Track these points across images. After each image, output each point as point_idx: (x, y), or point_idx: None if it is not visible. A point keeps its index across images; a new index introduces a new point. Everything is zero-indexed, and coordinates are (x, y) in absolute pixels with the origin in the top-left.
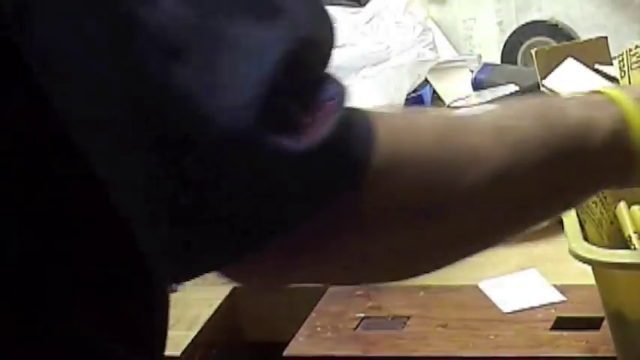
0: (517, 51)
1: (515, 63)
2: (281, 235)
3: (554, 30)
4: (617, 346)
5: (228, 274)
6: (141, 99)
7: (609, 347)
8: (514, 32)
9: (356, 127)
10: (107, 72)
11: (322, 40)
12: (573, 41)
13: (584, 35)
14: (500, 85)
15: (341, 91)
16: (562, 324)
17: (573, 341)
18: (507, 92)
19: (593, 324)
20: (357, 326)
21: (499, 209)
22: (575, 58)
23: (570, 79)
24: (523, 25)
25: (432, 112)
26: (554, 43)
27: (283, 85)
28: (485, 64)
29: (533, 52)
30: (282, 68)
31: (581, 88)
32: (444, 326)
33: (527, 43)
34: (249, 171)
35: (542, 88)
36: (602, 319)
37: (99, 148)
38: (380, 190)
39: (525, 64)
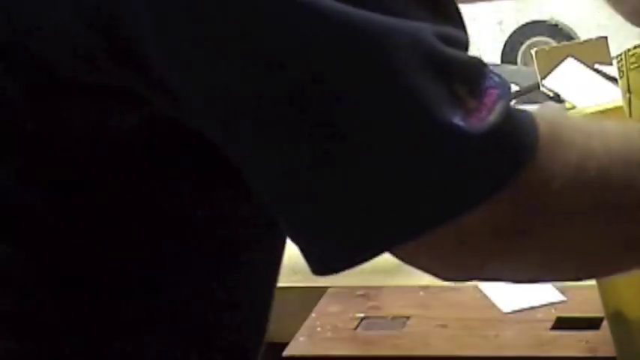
0: (517, 51)
1: (515, 63)
2: (457, 213)
3: (554, 30)
4: (617, 346)
5: (410, 257)
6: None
7: (609, 347)
8: (514, 32)
9: (521, 119)
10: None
11: (461, 35)
12: (573, 41)
13: (584, 35)
14: None
15: (503, 82)
16: (562, 324)
17: (573, 341)
18: None
19: (593, 324)
20: (357, 326)
21: None
22: (575, 58)
23: (570, 79)
24: (523, 25)
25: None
26: (554, 43)
27: (449, 64)
28: None
29: (533, 52)
30: (441, 45)
31: (581, 88)
32: (444, 326)
33: (527, 43)
34: (421, 144)
35: (542, 88)
36: (602, 319)
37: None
38: (557, 184)
39: (525, 64)
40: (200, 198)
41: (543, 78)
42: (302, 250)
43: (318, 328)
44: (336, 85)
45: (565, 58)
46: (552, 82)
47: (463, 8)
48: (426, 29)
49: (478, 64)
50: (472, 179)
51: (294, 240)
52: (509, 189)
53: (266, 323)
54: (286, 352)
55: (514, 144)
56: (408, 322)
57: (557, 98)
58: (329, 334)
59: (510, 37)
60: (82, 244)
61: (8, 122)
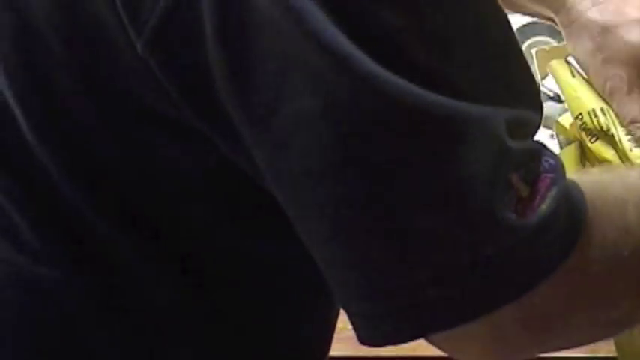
0: None
1: None
2: (496, 307)
3: (554, 30)
4: (617, 346)
5: (446, 345)
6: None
7: (610, 347)
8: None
9: (572, 202)
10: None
11: (532, 117)
12: None
13: None
14: None
15: (557, 164)
16: None
17: None
18: None
19: None
20: None
21: None
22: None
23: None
24: (523, 25)
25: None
26: (554, 43)
27: (509, 155)
28: None
29: (533, 52)
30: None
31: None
32: None
33: (527, 43)
34: (471, 237)
35: (542, 88)
36: None
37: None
38: (595, 268)
39: None
40: (264, 238)
41: (543, 78)
42: (348, 316)
43: None
44: (399, 166)
45: (565, 58)
46: (552, 82)
47: None
48: (495, 117)
49: (536, 151)
50: (516, 273)
51: (342, 307)
52: (550, 280)
53: (326, 338)
54: None
55: (561, 235)
56: None
57: (557, 98)
58: None
59: None
60: (143, 268)
61: (86, 150)
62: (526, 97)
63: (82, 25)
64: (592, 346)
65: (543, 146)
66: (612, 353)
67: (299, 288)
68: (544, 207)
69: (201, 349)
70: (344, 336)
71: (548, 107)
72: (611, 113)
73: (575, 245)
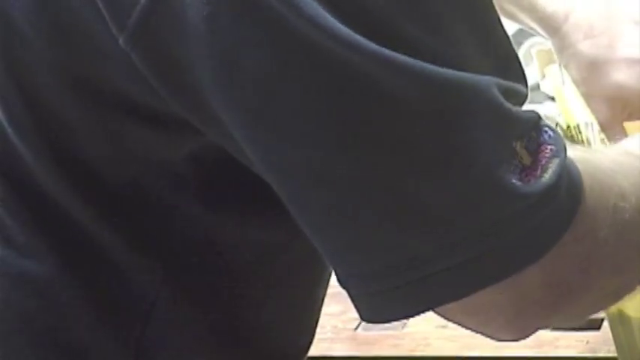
0: (517, 51)
1: None
2: (510, 273)
3: None
4: (617, 346)
5: (459, 316)
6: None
7: (610, 347)
8: (514, 32)
9: (571, 174)
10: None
11: (521, 89)
12: None
13: None
14: None
15: (557, 137)
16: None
17: (573, 341)
18: None
19: (593, 324)
20: (357, 326)
21: None
22: None
23: (569, 78)
24: None
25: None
26: None
27: (510, 120)
28: None
29: (533, 52)
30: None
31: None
32: (444, 326)
33: (527, 43)
34: (480, 203)
35: (542, 88)
36: (602, 319)
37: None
38: (601, 233)
39: (525, 64)
40: (239, 222)
41: (543, 78)
42: (350, 297)
43: (318, 328)
44: (402, 136)
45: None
46: (551, 81)
47: None
48: (492, 83)
49: (535, 119)
50: (526, 240)
51: (344, 287)
52: (559, 246)
53: (308, 329)
54: None
55: (565, 203)
56: (408, 322)
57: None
58: (329, 334)
59: (510, 37)
60: (122, 255)
61: (70, 147)
62: (513, 70)
63: (61, 21)
64: (592, 345)
65: (540, 117)
66: (612, 353)
67: (288, 275)
68: (546, 176)
69: (190, 340)
70: (344, 336)
71: (548, 107)
72: (595, 127)
73: (577, 213)
